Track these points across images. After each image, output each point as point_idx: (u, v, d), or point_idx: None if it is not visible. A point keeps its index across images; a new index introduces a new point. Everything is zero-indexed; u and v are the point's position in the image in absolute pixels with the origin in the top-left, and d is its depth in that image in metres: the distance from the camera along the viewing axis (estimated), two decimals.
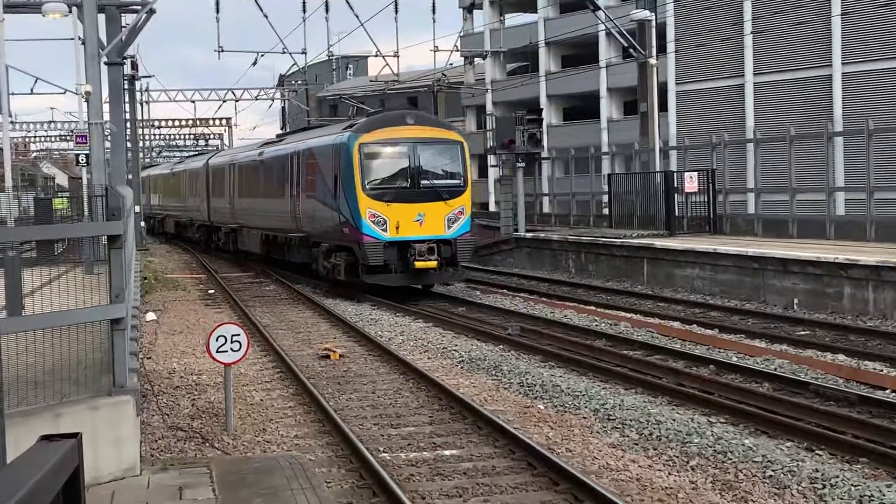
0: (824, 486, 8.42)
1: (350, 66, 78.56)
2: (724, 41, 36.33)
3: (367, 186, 21.85)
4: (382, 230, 21.57)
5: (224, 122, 73.93)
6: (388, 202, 21.72)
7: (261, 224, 29.66)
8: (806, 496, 8.27)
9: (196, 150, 73.47)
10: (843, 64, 33.75)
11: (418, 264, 21.39)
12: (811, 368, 13.20)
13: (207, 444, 10.22)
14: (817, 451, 9.54)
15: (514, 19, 58.35)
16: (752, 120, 36.04)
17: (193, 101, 60.64)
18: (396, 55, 44.00)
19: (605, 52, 47.31)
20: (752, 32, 35.82)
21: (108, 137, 27.27)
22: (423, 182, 22.16)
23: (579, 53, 50.75)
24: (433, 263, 21.49)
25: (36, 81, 50.02)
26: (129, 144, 38.69)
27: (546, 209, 39.96)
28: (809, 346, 15.03)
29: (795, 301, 19.70)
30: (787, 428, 10.28)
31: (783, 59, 35.69)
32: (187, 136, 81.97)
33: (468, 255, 22.83)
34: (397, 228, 21.60)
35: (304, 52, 46.64)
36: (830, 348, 14.79)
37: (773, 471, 8.84)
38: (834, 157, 26.18)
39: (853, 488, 8.33)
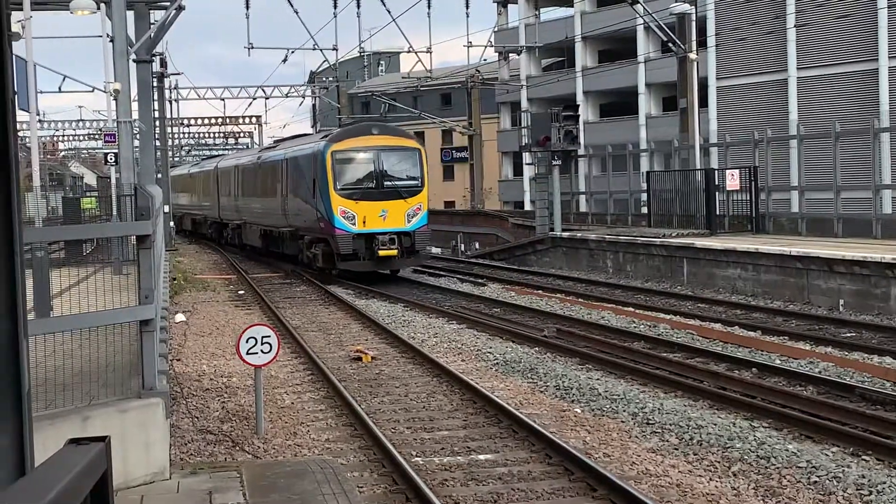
0: (871, 493, 8.25)
1: (382, 62, 78.75)
2: (766, 35, 35.84)
3: (339, 187, 25.54)
4: (352, 224, 25.21)
5: (254, 119, 74.33)
6: (357, 200, 25.40)
7: (260, 221, 33.57)
8: (852, 503, 8.11)
9: (224, 149, 74.48)
10: (889, 58, 33.19)
11: (382, 252, 24.97)
12: (857, 371, 12.96)
13: (237, 448, 10.13)
14: (863, 457, 9.33)
15: (549, 13, 58.16)
16: (796, 115, 35.56)
17: (223, 99, 60.98)
18: (429, 51, 44.03)
19: (644, 46, 46.91)
20: (794, 26, 35.29)
21: (137, 136, 27.39)
22: (386, 183, 25.80)
23: (617, 48, 50.44)
24: (394, 252, 25.12)
25: (64, 79, 50.41)
26: (157, 143, 38.97)
27: (583, 208, 39.66)
28: (855, 349, 14.73)
29: (841, 302, 19.30)
30: (832, 433, 10.06)
31: (827, 52, 35.16)
32: (217, 135, 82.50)
33: (425, 244, 26.99)
34: (364, 222, 25.23)
35: (335, 49, 46.53)
36: (877, 351, 14.50)
37: (817, 477, 8.68)
38: (880, 153, 25.62)
39: None
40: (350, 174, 25.95)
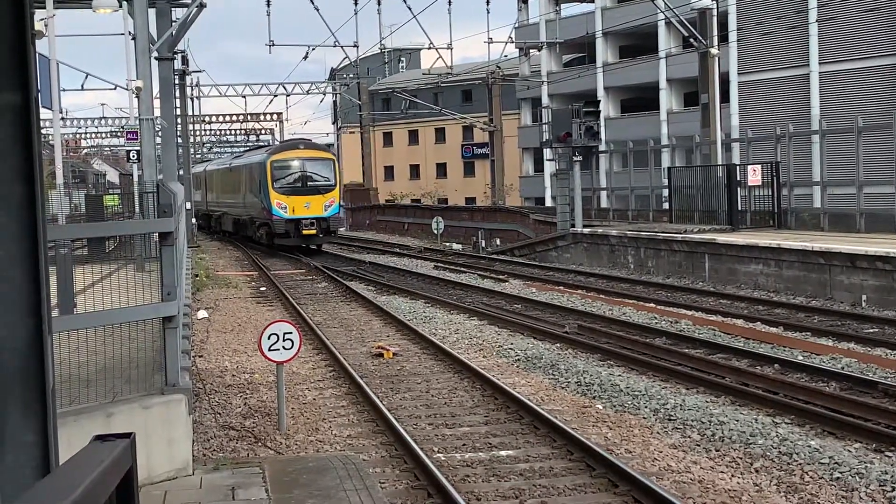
0: (894, 489, 8.22)
1: (403, 59, 78.74)
2: (788, 29, 35.60)
3: (276, 186, 35.59)
4: (284, 212, 35.16)
5: (275, 116, 74.52)
6: (288, 195, 35.37)
7: (231, 212, 44.20)
8: (875, 499, 8.09)
9: (246, 146, 76.22)
10: None
11: (305, 232, 35.17)
12: (880, 367, 12.90)
13: (260, 444, 10.17)
14: (886, 453, 9.29)
15: (570, 9, 58.00)
16: (818, 110, 35.29)
17: (244, 96, 61.21)
18: (450, 47, 43.98)
19: (665, 42, 46.71)
20: (817, 20, 35.03)
21: (159, 133, 27.55)
22: (309, 183, 35.73)
23: (638, 44, 50.20)
24: (313, 231, 35.25)
25: (86, 77, 50.46)
26: (179, 140, 39.29)
27: (604, 204, 39.54)
28: (878, 345, 14.65)
29: (864, 298, 19.17)
30: (854, 429, 10.01)
31: (850, 47, 34.88)
32: (238, 132, 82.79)
33: (337, 227, 37.64)
34: (293, 211, 35.10)
35: (355, 46, 46.49)
36: None
37: (840, 473, 8.66)
38: None
39: None
40: (284, 177, 35.73)
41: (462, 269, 29.11)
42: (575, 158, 30.55)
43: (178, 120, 41.31)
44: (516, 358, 14.81)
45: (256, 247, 39.96)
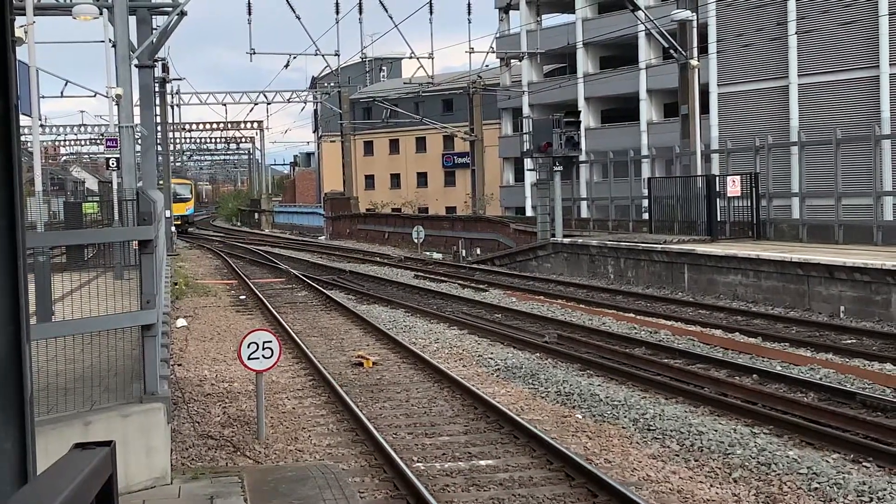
0: (871, 500, 8.27)
1: (384, 68, 78.76)
2: (767, 41, 35.87)
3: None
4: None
5: (256, 125, 74.48)
6: (175, 203, 54.82)
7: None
8: None
9: (226, 154, 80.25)
10: (890, 65, 33.18)
11: (175, 223, 52.38)
12: (858, 378, 12.95)
13: (239, 453, 10.14)
14: (864, 464, 9.33)
15: (551, 20, 58.18)
16: (797, 122, 35.55)
17: (225, 104, 61.24)
18: (431, 57, 44.11)
19: (645, 53, 46.95)
20: (796, 32, 35.32)
21: (139, 141, 27.44)
22: (177, 196, 59.88)
23: (618, 54, 50.46)
24: (179, 223, 59.47)
25: (66, 84, 50.55)
26: (159, 148, 39.16)
27: (584, 214, 39.64)
28: (856, 356, 14.73)
29: (842, 309, 19.30)
30: (832, 439, 10.05)
31: (829, 59, 35.18)
32: (218, 140, 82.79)
33: (193, 221, 71.73)
34: (174, 211, 54.96)
35: (337, 54, 46.51)
36: (878, 357, 14.49)
37: (818, 483, 8.69)
38: (881, 160, 25.64)
39: None
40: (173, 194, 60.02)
41: (442, 278, 29.12)
42: (555, 168, 30.62)
43: (158, 127, 41.19)
44: (496, 367, 14.82)
45: (237, 256, 40.01)
